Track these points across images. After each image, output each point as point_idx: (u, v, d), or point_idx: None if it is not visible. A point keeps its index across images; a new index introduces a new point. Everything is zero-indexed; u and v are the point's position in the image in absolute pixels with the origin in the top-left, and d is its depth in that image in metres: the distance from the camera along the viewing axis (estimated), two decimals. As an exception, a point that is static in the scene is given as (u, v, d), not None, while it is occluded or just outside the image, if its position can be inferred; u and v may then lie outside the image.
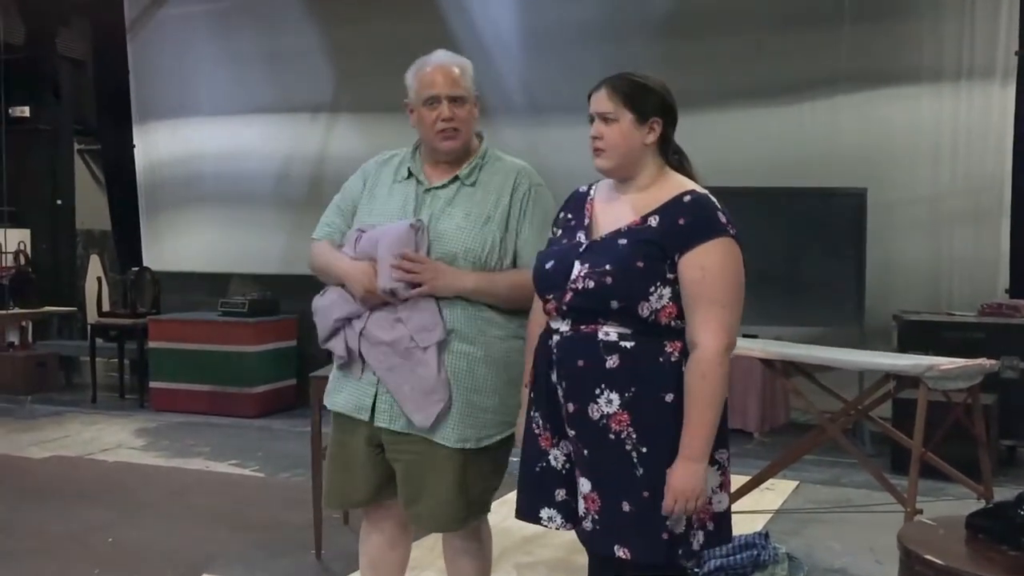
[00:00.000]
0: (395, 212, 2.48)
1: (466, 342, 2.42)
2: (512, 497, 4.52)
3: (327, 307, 2.50)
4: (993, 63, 6.14)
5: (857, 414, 4.29)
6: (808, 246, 6.04)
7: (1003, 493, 3.32)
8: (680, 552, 2.12)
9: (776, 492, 4.81)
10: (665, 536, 2.09)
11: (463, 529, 2.57)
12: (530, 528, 4.17)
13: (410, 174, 2.53)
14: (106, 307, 8.07)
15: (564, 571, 3.72)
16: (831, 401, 4.28)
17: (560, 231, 2.30)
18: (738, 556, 3.39)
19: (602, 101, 2.18)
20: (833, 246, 6.02)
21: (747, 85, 6.63)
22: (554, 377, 2.18)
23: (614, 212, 2.21)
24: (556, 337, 2.18)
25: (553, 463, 2.23)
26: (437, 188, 2.49)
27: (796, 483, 5.02)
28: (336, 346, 2.49)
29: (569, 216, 2.30)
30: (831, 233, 6.04)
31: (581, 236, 2.21)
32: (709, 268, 2.06)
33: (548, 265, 2.21)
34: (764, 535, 3.53)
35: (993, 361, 3.92)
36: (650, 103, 2.17)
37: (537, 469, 2.25)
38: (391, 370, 2.41)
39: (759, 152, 6.48)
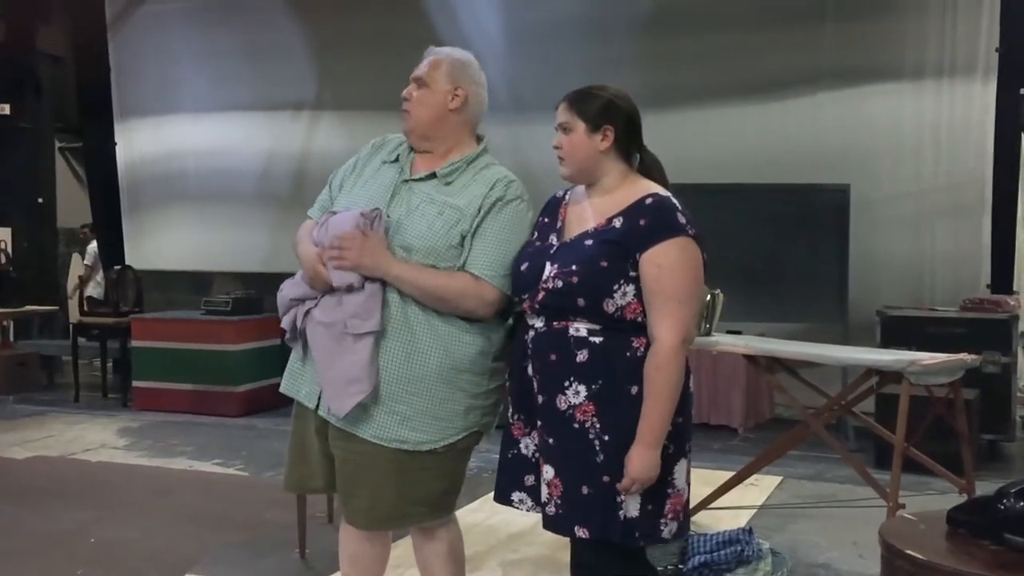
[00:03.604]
0: (371, 198, 2.46)
1: (413, 344, 2.36)
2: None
3: (287, 287, 2.53)
4: (975, 60, 6.17)
5: (840, 409, 4.31)
6: (791, 242, 6.06)
7: (984, 487, 3.33)
8: (637, 534, 2.24)
9: (760, 488, 4.83)
10: (622, 517, 2.22)
11: (417, 529, 2.55)
12: (516, 526, 4.19)
13: (398, 159, 2.53)
14: (87, 306, 8.01)
15: (549, 568, 3.71)
16: (815, 396, 4.30)
17: (536, 234, 2.41)
18: (722, 552, 3.40)
19: (561, 112, 2.35)
20: (816, 242, 6.05)
21: (730, 82, 6.64)
22: (530, 371, 2.32)
23: (583, 215, 2.35)
24: (531, 333, 2.32)
25: (524, 451, 2.38)
26: (415, 181, 2.47)
27: (780, 478, 5.04)
28: (286, 321, 2.52)
29: (546, 220, 2.43)
30: (814, 229, 6.07)
31: (553, 239, 2.35)
32: (665, 265, 2.19)
33: (523, 266, 2.34)
34: (748, 531, 3.54)
35: (974, 356, 3.95)
36: (600, 112, 2.30)
37: (509, 456, 2.41)
38: (321, 353, 2.40)
39: (742, 148, 6.50)
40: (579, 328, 2.23)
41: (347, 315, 2.36)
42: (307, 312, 2.46)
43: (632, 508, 2.22)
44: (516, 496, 2.39)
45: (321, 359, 2.41)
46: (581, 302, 2.21)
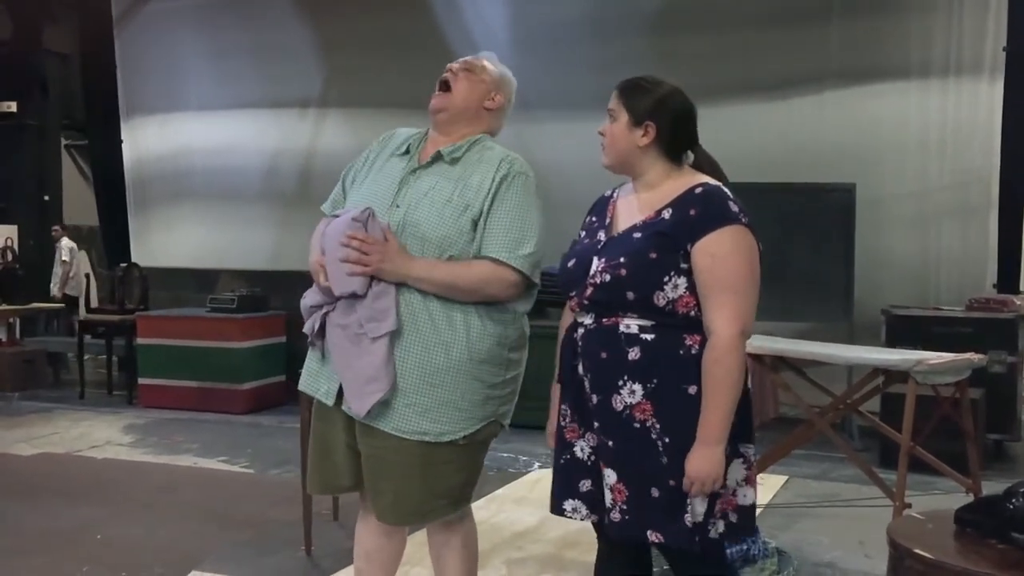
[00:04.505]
0: (379, 192, 2.48)
1: (433, 335, 2.37)
2: (501, 493, 4.51)
3: (308, 295, 2.54)
4: (981, 59, 6.16)
5: (846, 408, 4.30)
6: (797, 241, 6.05)
7: (990, 487, 3.32)
8: (697, 539, 2.15)
9: (766, 487, 4.82)
10: (689, 523, 2.13)
11: (436, 523, 2.56)
12: (521, 524, 4.19)
13: (407, 151, 2.54)
14: (94, 303, 8.04)
15: (554, 567, 3.72)
16: (820, 396, 4.30)
17: (584, 232, 2.36)
18: (727, 551, 3.39)
19: (611, 99, 2.28)
20: (822, 241, 6.04)
21: (736, 81, 6.63)
22: (580, 370, 2.24)
23: (630, 209, 2.27)
24: (581, 330, 2.24)
25: (579, 454, 2.28)
26: (421, 168, 2.48)
27: (786, 478, 5.03)
28: (307, 327, 2.53)
29: (593, 219, 2.36)
30: (820, 228, 6.06)
31: (601, 235, 2.28)
32: (719, 255, 2.11)
33: (570, 263, 2.29)
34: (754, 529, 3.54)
35: (981, 355, 3.94)
36: (645, 107, 2.23)
37: (562, 461, 2.30)
38: (339, 354, 2.41)
39: (748, 148, 6.48)
40: (629, 324, 2.15)
41: (363, 318, 2.36)
42: (326, 314, 2.47)
43: (698, 512, 2.13)
44: (569, 505, 2.28)
45: (339, 360, 2.42)
46: (630, 295, 2.14)
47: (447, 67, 2.55)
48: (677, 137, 2.25)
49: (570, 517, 2.30)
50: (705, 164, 2.32)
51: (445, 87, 2.52)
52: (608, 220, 2.30)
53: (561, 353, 2.32)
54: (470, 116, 2.52)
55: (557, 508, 2.32)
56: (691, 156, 2.30)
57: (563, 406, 2.31)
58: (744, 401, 2.18)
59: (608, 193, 2.39)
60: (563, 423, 2.30)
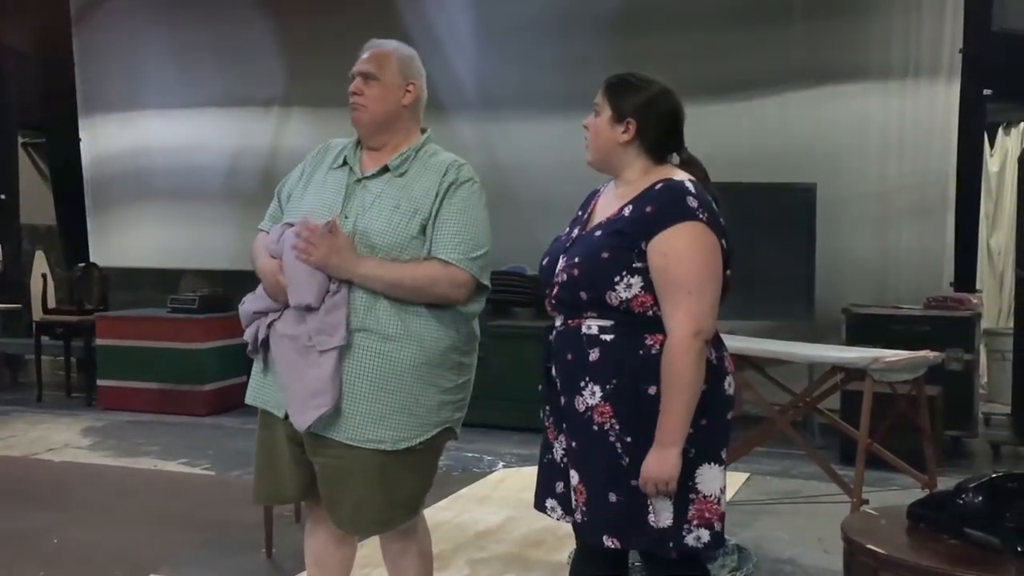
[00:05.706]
0: (325, 203, 2.45)
1: (385, 341, 2.35)
2: (464, 493, 4.52)
3: (249, 301, 2.52)
4: (939, 61, 6.25)
5: (806, 406, 4.35)
6: (758, 241, 6.09)
7: (947, 483, 3.37)
8: (671, 545, 2.12)
9: (727, 484, 4.85)
10: (653, 525, 2.12)
11: (391, 531, 2.53)
12: (484, 524, 4.19)
13: (345, 162, 2.52)
14: (52, 304, 7.91)
15: (518, 566, 3.72)
16: (781, 394, 4.34)
17: (567, 228, 2.35)
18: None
19: (599, 93, 2.27)
20: (783, 240, 6.09)
21: (697, 81, 6.65)
22: (554, 372, 2.25)
23: (606, 207, 2.26)
24: (554, 332, 2.25)
25: (555, 456, 2.30)
26: (367, 178, 2.46)
27: (747, 475, 5.08)
28: (248, 334, 2.50)
29: (579, 213, 2.36)
30: (781, 228, 6.10)
31: (575, 232, 2.28)
32: (672, 254, 2.09)
33: (544, 261, 2.29)
34: (715, 527, 3.56)
35: (937, 353, 4.01)
36: (628, 103, 2.22)
37: (545, 460, 2.34)
38: (286, 366, 2.39)
39: (709, 148, 6.35)
40: (591, 326, 2.15)
41: (312, 330, 2.34)
42: (270, 324, 2.44)
43: (664, 516, 2.12)
44: (549, 503, 2.31)
45: (285, 372, 2.39)
46: (583, 295, 2.14)
47: (351, 91, 2.49)
48: (659, 137, 2.24)
49: (550, 515, 2.33)
50: (691, 165, 2.30)
51: (359, 107, 2.48)
52: (586, 216, 2.30)
53: (541, 355, 2.33)
54: (392, 120, 2.49)
55: (540, 505, 2.35)
56: (676, 158, 2.28)
57: (544, 407, 2.33)
58: (713, 403, 2.14)
59: (599, 188, 2.38)
60: (545, 424, 2.33)
